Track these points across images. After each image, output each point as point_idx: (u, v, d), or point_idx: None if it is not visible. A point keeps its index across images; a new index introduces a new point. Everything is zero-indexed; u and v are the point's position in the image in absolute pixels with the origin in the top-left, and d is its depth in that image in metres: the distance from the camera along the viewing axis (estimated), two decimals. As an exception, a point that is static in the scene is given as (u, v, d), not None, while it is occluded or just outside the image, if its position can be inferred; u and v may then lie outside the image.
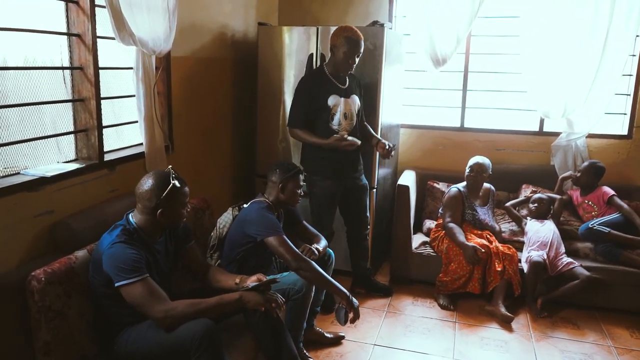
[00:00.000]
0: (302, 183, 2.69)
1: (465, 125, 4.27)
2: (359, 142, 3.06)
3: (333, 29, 3.05)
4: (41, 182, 2.17)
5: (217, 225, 2.77)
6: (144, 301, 1.93)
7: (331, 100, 3.03)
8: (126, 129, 2.91)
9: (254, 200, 2.67)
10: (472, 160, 3.69)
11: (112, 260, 1.95)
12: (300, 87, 3.06)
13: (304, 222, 2.87)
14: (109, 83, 2.74)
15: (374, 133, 3.28)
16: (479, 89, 4.24)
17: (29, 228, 2.13)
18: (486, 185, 3.77)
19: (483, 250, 3.33)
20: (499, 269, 3.33)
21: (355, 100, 3.14)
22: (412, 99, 4.39)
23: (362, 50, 2.98)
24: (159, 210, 2.04)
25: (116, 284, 1.93)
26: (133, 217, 2.09)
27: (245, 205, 2.69)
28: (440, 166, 4.27)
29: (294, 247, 2.48)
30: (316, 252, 2.57)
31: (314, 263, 2.47)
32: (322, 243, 2.74)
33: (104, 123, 2.64)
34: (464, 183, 3.72)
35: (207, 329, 1.91)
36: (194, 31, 3.27)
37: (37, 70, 2.31)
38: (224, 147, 3.82)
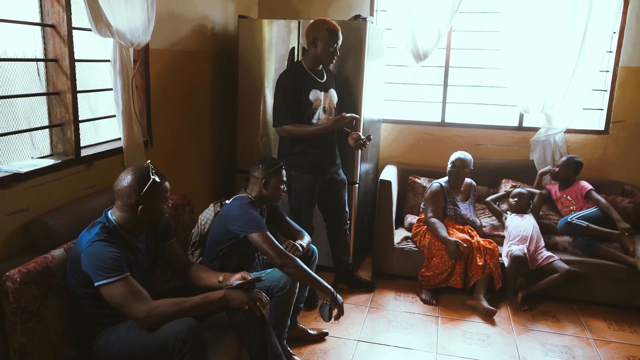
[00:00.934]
0: (284, 178, 2.66)
1: (446, 120, 4.28)
2: (358, 115, 3.04)
3: (314, 22, 3.01)
4: (15, 179, 2.08)
5: (199, 221, 2.71)
6: (124, 301, 1.88)
7: (312, 95, 3.00)
8: (103, 124, 2.83)
9: (237, 196, 2.63)
10: (454, 156, 3.71)
11: (91, 259, 1.88)
12: (283, 82, 3.02)
13: (287, 218, 2.84)
14: (85, 76, 2.65)
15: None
16: (459, 84, 4.25)
17: (2, 226, 2.05)
18: (467, 180, 3.79)
19: (465, 245, 3.35)
20: (480, 264, 3.35)
21: (333, 95, 3.13)
22: (393, 93, 4.38)
23: (340, 41, 2.98)
24: (140, 207, 1.98)
25: (96, 284, 1.87)
26: (112, 215, 2.03)
27: (227, 202, 2.64)
28: (421, 161, 4.28)
29: (277, 243, 2.44)
30: (300, 248, 2.55)
31: (298, 259, 2.44)
32: (306, 239, 2.72)
33: (81, 117, 2.56)
34: (446, 178, 3.73)
35: (190, 328, 1.86)
36: (173, 23, 3.20)
37: (10, 63, 2.21)
38: (204, 142, 3.76)
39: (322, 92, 3.05)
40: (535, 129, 4.06)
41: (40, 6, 2.30)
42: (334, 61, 3.04)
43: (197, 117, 3.62)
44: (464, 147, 4.02)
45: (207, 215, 2.71)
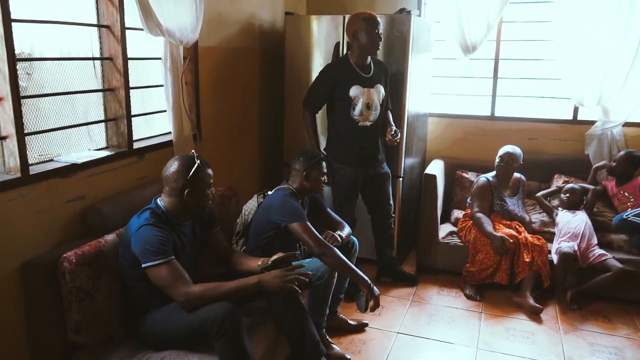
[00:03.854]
0: (325, 170, 2.71)
1: (496, 114, 4.19)
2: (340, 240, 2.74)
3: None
4: (73, 169, 2.26)
5: (243, 212, 2.82)
6: (167, 283, 2.00)
7: (353, 91, 3.03)
8: (155, 118, 2.99)
9: (278, 187, 2.71)
10: (503, 150, 3.62)
11: (139, 241, 2.01)
12: (324, 73, 3.09)
13: (328, 209, 2.89)
14: (138, 73, 2.81)
15: (390, 120, 3.26)
16: (510, 77, 4.15)
17: (61, 213, 2.22)
18: (516, 175, 3.69)
19: (511, 241, 3.28)
20: (527, 260, 3.27)
21: (380, 90, 3.13)
22: (441, 87, 4.33)
23: (381, 26, 3.00)
24: (186, 190, 2.09)
25: (142, 265, 2.00)
26: (161, 201, 2.16)
27: (269, 193, 2.73)
28: (469, 155, 4.21)
29: (317, 233, 2.50)
30: (339, 238, 2.58)
31: (336, 250, 2.48)
32: (346, 230, 2.76)
33: (133, 112, 2.73)
34: (494, 173, 3.66)
35: (227, 311, 1.94)
36: (221, 21, 3.32)
37: (71, 62, 2.39)
38: (252, 136, 3.87)
39: (366, 88, 3.07)
40: (590, 122, 3.90)
41: (97, 8, 2.46)
42: (379, 47, 3.04)
43: (245, 112, 3.74)
44: (515, 141, 3.91)
45: (251, 206, 2.81)
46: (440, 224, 3.80)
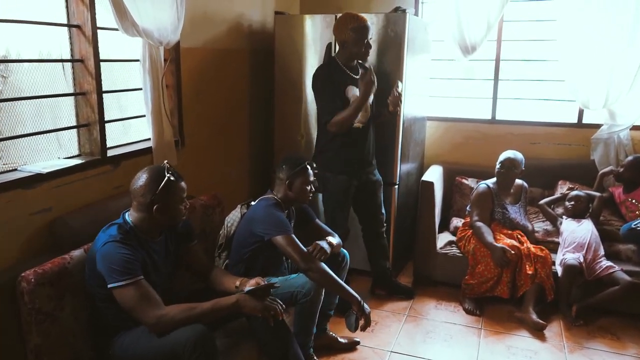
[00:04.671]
0: (312, 178, 2.54)
1: (497, 117, 4.01)
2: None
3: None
4: (37, 179, 2.10)
5: (225, 223, 2.65)
6: (135, 305, 1.84)
7: (349, 92, 2.87)
8: (133, 124, 2.83)
9: (262, 197, 2.54)
10: (503, 155, 3.45)
11: (104, 260, 1.86)
12: (322, 79, 2.89)
13: (317, 220, 2.72)
14: (115, 76, 2.66)
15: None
16: (511, 79, 3.98)
17: (24, 226, 2.07)
18: (518, 181, 3.51)
19: (513, 252, 3.10)
20: (530, 272, 3.09)
21: (369, 91, 2.97)
22: (439, 89, 4.16)
23: (371, 32, 2.85)
24: (155, 206, 1.93)
25: (108, 286, 1.85)
26: (129, 216, 2.00)
27: (253, 203, 2.56)
28: (469, 161, 4.04)
29: (302, 247, 2.34)
30: (328, 248, 2.39)
31: (323, 265, 2.33)
32: (336, 239, 2.58)
33: (110, 117, 2.57)
34: (494, 179, 3.48)
35: (199, 335, 1.79)
36: (207, 21, 3.16)
37: (40, 65, 2.24)
38: (240, 142, 3.71)
39: (358, 89, 2.91)
40: (596, 126, 3.71)
41: (67, 7, 2.31)
42: (369, 54, 2.90)
43: (233, 116, 3.58)
44: (517, 145, 3.74)
45: (234, 217, 2.64)
46: (439, 232, 3.62)
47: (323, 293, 2.38)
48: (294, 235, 2.37)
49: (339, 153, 2.93)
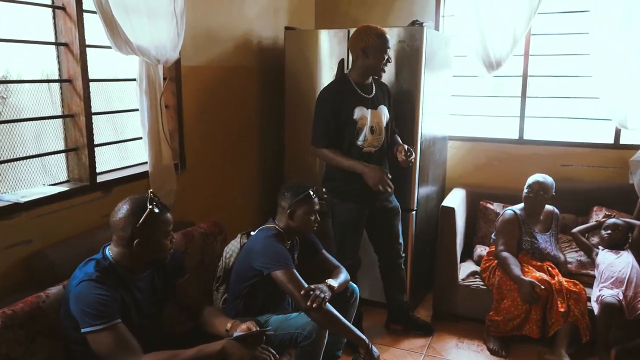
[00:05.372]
0: (316, 207, 2.32)
1: (525, 137, 3.73)
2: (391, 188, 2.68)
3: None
4: (15, 209, 1.94)
5: (224, 254, 2.46)
6: (109, 352, 1.65)
7: (357, 113, 2.66)
8: (132, 147, 2.67)
9: (263, 227, 2.34)
10: (532, 179, 3.16)
11: (77, 301, 1.68)
12: (322, 99, 2.71)
13: (324, 251, 2.50)
14: (110, 96, 2.52)
15: (399, 141, 2.86)
16: (540, 96, 3.69)
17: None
18: (548, 207, 3.22)
19: (542, 287, 2.80)
20: (562, 310, 2.78)
21: (384, 112, 2.75)
22: (462, 108, 3.91)
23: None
24: (136, 241, 1.75)
25: (82, 330, 1.66)
26: (110, 250, 1.82)
27: (253, 233, 2.36)
28: (495, 184, 3.75)
29: (304, 283, 2.12)
30: (327, 293, 2.14)
31: (328, 305, 2.09)
32: (342, 277, 2.35)
33: (106, 139, 2.42)
34: (522, 205, 3.19)
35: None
36: (211, 38, 3.00)
37: (24, 85, 2.11)
38: (248, 165, 3.51)
39: (370, 110, 2.70)
40: (635, 147, 3.38)
41: (54, 24, 2.17)
42: (384, 72, 2.70)
43: (241, 137, 3.39)
44: (547, 167, 3.45)
45: (233, 247, 2.45)
46: (461, 262, 3.35)
47: (327, 335, 2.15)
48: (295, 270, 2.16)
49: (348, 180, 2.70)
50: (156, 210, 1.77)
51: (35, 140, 2.16)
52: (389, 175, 2.64)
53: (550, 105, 3.74)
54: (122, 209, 1.77)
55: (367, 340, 2.13)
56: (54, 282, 1.93)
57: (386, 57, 2.64)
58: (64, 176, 2.31)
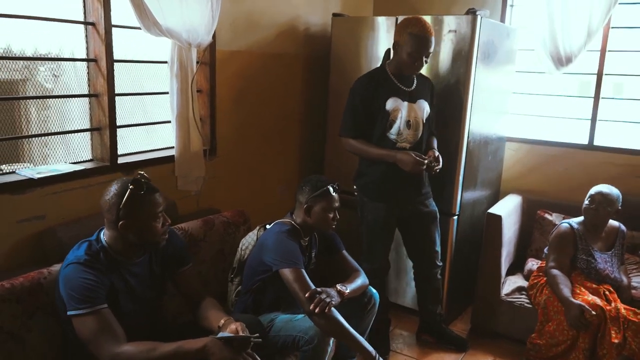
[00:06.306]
0: (336, 204, 2.18)
1: (596, 143, 3.33)
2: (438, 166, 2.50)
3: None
4: (29, 184, 1.97)
5: (240, 245, 2.38)
6: (91, 337, 1.62)
7: (390, 104, 2.47)
8: (160, 130, 2.66)
9: (278, 221, 2.24)
10: (594, 189, 2.80)
11: (65, 283, 1.67)
12: (354, 87, 2.54)
13: (344, 252, 2.35)
14: (141, 78, 2.51)
15: (433, 146, 2.65)
16: (617, 97, 3.28)
17: (9, 234, 1.94)
18: (614, 223, 2.84)
19: (594, 313, 2.47)
20: (616, 341, 2.44)
21: (423, 107, 2.53)
22: (524, 107, 3.57)
23: (431, 49, 2.40)
24: (120, 223, 1.69)
25: (67, 313, 1.65)
26: (103, 234, 1.79)
27: (268, 226, 2.26)
28: (556, 192, 3.39)
29: (311, 284, 2.00)
30: (335, 299, 2.00)
31: (335, 311, 1.96)
32: (357, 282, 2.19)
33: (133, 121, 2.42)
34: (581, 218, 2.85)
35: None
36: (252, 23, 2.92)
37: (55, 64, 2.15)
38: (286, 155, 3.41)
39: (406, 102, 2.50)
40: None
41: (84, 4, 2.18)
42: (417, 72, 2.50)
43: (280, 127, 3.29)
44: (618, 178, 3.07)
45: (249, 239, 2.36)
46: (509, 275, 3.08)
47: (330, 342, 2.01)
48: (303, 271, 2.04)
49: (379, 178, 2.53)
50: (141, 191, 1.70)
51: (59, 119, 2.19)
52: (422, 156, 2.43)
53: (627, 108, 3.31)
54: (109, 191, 1.72)
55: (374, 353, 1.97)
56: (61, 260, 1.93)
57: (415, 60, 2.39)
58: (88, 155, 2.33)
